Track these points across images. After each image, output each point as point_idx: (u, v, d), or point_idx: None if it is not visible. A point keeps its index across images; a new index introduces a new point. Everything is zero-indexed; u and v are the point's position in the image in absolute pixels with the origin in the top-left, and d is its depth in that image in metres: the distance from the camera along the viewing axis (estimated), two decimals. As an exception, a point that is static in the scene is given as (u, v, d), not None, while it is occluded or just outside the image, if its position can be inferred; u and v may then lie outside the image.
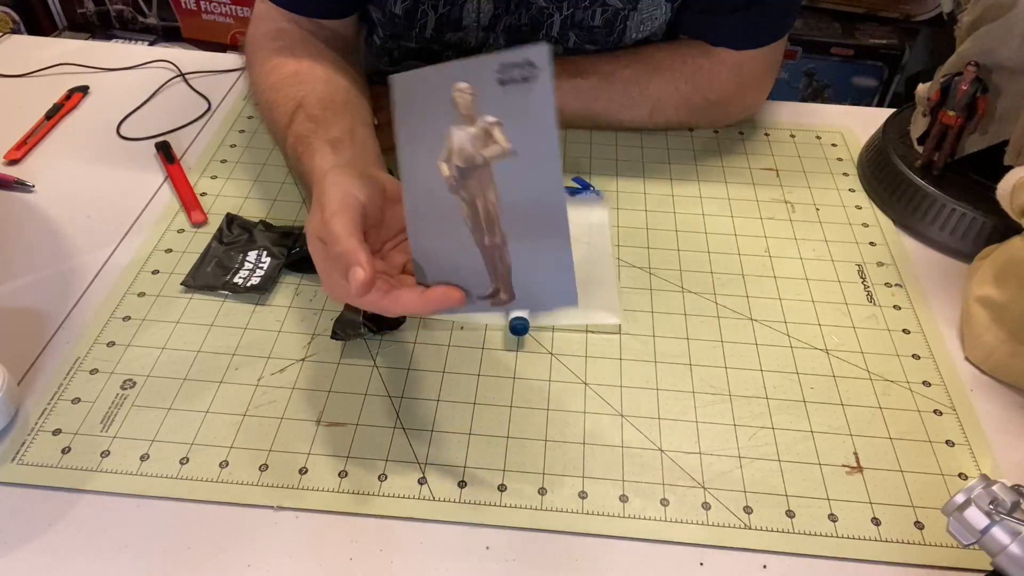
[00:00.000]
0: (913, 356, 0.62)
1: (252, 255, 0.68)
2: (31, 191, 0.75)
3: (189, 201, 0.73)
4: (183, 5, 1.94)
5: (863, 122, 0.86)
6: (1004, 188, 0.60)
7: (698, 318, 0.64)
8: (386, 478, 0.53)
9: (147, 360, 0.60)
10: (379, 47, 0.86)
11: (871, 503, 0.52)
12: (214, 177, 0.77)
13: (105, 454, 0.54)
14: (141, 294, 0.65)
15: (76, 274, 0.67)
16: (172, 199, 0.75)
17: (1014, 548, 0.39)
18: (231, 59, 0.96)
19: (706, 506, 0.52)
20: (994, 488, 0.41)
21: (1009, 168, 0.61)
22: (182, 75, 0.92)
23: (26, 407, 0.56)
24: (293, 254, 0.68)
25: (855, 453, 0.55)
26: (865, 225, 0.74)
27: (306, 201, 0.74)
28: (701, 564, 0.49)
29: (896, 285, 0.68)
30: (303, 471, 0.53)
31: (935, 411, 0.58)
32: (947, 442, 0.56)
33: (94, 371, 0.59)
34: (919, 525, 0.51)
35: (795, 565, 0.49)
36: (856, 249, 0.71)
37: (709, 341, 0.63)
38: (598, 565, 0.49)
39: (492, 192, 0.47)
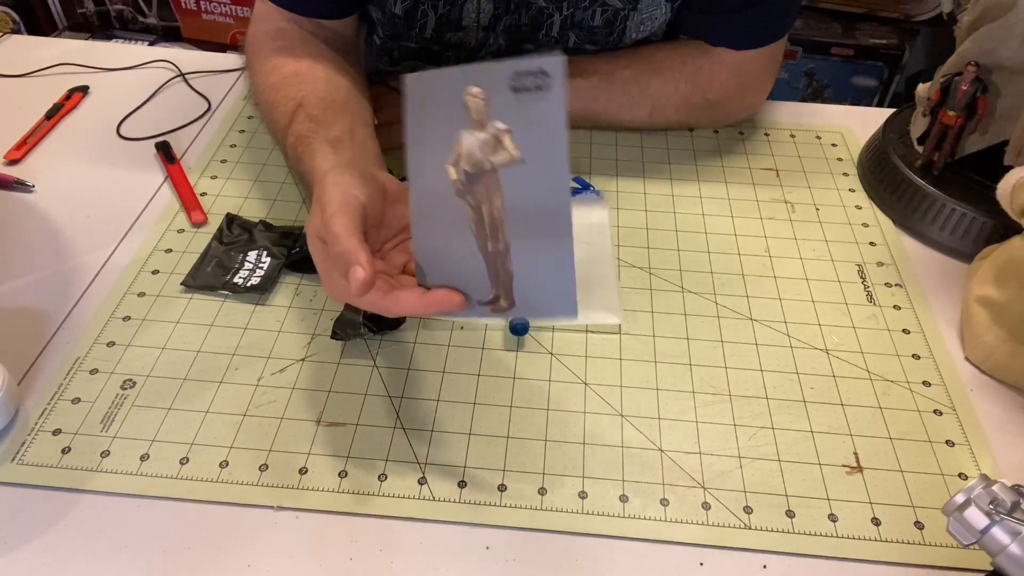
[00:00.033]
0: (913, 356, 0.62)
1: (252, 255, 0.68)
2: (31, 191, 0.75)
3: (189, 201, 0.73)
4: (183, 5, 1.94)
5: (863, 122, 0.86)
6: (1004, 188, 0.60)
7: (698, 318, 0.64)
8: (386, 478, 0.53)
9: (147, 360, 0.60)
10: (379, 47, 0.86)
11: (871, 503, 0.52)
12: (214, 177, 0.77)
13: (105, 454, 0.54)
14: (141, 294, 0.65)
15: (76, 274, 0.67)
16: (172, 199, 0.75)
17: (1014, 548, 0.39)
18: (231, 59, 0.96)
19: (706, 506, 0.52)
20: (994, 488, 0.41)
21: (1009, 168, 0.61)
22: (182, 75, 0.92)
23: (26, 407, 0.56)
24: (293, 254, 0.68)
25: (855, 453, 0.55)
26: (865, 225, 0.74)
27: (306, 201, 0.74)
28: (701, 564, 0.49)
29: (896, 285, 0.68)
30: (303, 471, 0.53)
31: (935, 411, 0.58)
32: (947, 442, 0.56)
33: (94, 371, 0.59)
34: (919, 525, 0.51)
35: (795, 565, 0.49)
36: (856, 249, 0.71)
37: (709, 341, 0.63)
38: (598, 565, 0.49)
39: (498, 199, 0.47)
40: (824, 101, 1.79)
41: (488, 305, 0.49)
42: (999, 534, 0.40)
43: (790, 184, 0.79)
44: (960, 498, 0.41)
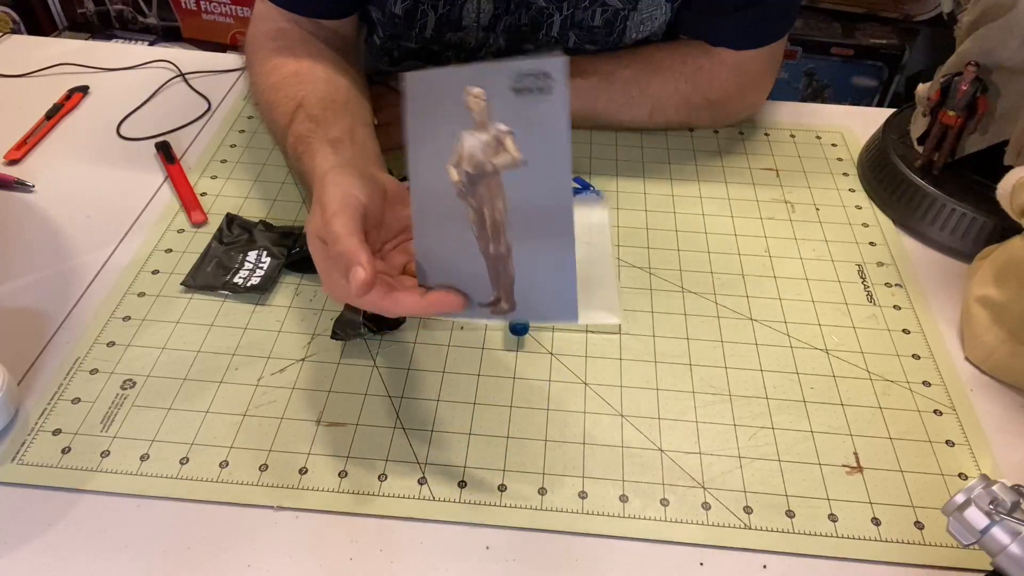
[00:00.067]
0: (913, 356, 0.62)
1: (252, 255, 0.68)
2: (31, 191, 0.75)
3: (189, 201, 0.73)
4: (183, 5, 1.94)
5: (863, 122, 0.86)
6: (1004, 188, 0.60)
7: (698, 318, 0.64)
8: (386, 478, 0.53)
9: (147, 360, 0.60)
10: (379, 47, 0.86)
11: (871, 503, 0.52)
12: (214, 177, 0.77)
13: (105, 454, 0.54)
14: (141, 294, 0.65)
15: (76, 274, 0.67)
16: (172, 199, 0.75)
17: (1014, 548, 0.39)
18: (231, 59, 0.96)
19: (706, 506, 0.52)
20: (994, 488, 0.41)
21: (1009, 168, 0.61)
22: (182, 75, 0.92)
23: (26, 407, 0.56)
24: (293, 254, 0.68)
25: (855, 453, 0.55)
26: (865, 225, 0.74)
27: (306, 201, 0.74)
28: (701, 564, 0.49)
29: (896, 285, 0.68)
30: (303, 471, 0.53)
31: (935, 411, 0.58)
32: (947, 442, 0.56)
33: (94, 371, 0.59)
34: (919, 525, 0.51)
35: (795, 565, 0.49)
36: (856, 249, 0.71)
37: (709, 341, 0.63)
38: (598, 565, 0.49)
39: (500, 201, 0.47)
40: (824, 101, 1.79)
41: (489, 307, 0.49)
42: (999, 534, 0.40)
43: (790, 184, 0.79)
44: (960, 498, 0.41)
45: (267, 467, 0.53)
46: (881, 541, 0.50)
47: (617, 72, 0.78)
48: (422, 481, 0.53)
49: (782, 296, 0.67)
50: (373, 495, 0.52)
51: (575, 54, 0.80)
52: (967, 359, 0.62)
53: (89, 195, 0.75)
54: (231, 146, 0.82)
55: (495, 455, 0.54)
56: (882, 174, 0.76)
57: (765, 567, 0.49)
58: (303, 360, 0.60)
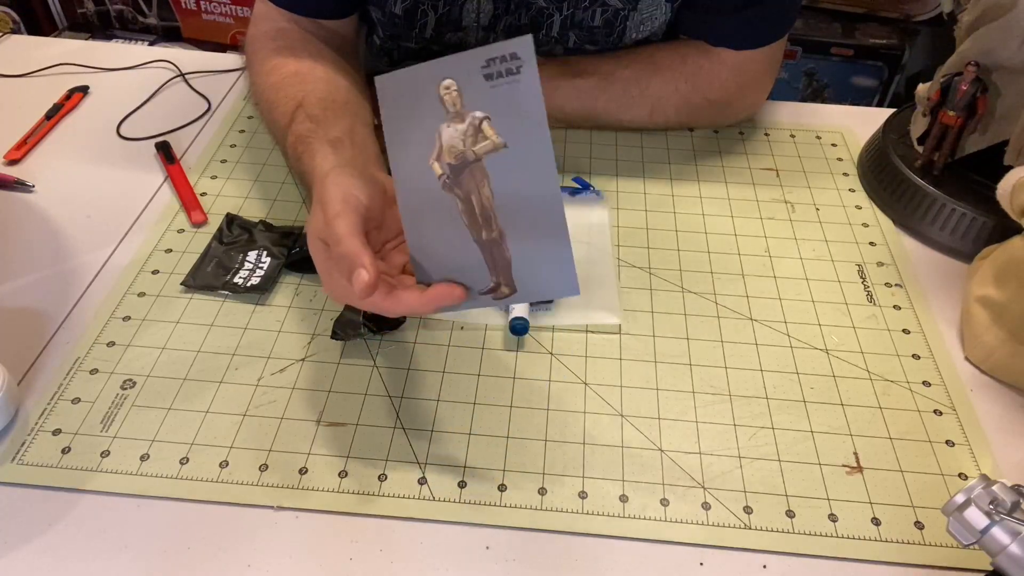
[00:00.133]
0: (913, 356, 0.62)
1: (252, 255, 0.68)
2: (31, 191, 0.75)
3: (189, 201, 0.73)
4: (183, 5, 1.94)
5: (863, 122, 0.86)
6: (1004, 188, 0.60)
7: (698, 318, 0.64)
8: (386, 478, 0.53)
9: (147, 360, 0.60)
10: (379, 47, 0.86)
11: (871, 503, 0.52)
12: (214, 177, 0.77)
13: (105, 454, 0.54)
14: (141, 294, 0.65)
15: (76, 274, 0.67)
16: (172, 199, 0.75)
17: (1014, 548, 0.39)
18: (231, 59, 0.96)
19: (706, 506, 0.52)
20: (994, 488, 0.41)
21: (1009, 168, 0.61)
22: (182, 75, 0.92)
23: (26, 407, 0.56)
24: (293, 254, 0.68)
25: (855, 453, 0.55)
26: (865, 225, 0.74)
27: (306, 201, 0.74)
28: (701, 564, 0.49)
29: (896, 285, 0.68)
30: (303, 471, 0.53)
31: (935, 411, 0.58)
32: (947, 442, 0.56)
33: (94, 371, 0.59)
34: (919, 525, 0.51)
35: (795, 565, 0.49)
36: (856, 249, 0.72)
37: (709, 341, 0.63)
38: (598, 565, 0.49)
39: (486, 187, 0.47)
40: (824, 101, 1.79)
41: (490, 293, 0.49)
42: (999, 534, 0.40)
43: (790, 184, 0.79)
44: (960, 498, 0.41)
45: (267, 467, 0.53)
46: (881, 541, 0.50)
47: (617, 72, 0.78)
48: (422, 481, 0.53)
49: (782, 296, 0.67)
50: (373, 495, 0.52)
51: (575, 54, 0.80)
52: (967, 359, 0.62)
53: (89, 195, 0.75)
54: (231, 146, 0.82)
55: (495, 455, 0.54)
56: (882, 174, 0.76)
57: (765, 567, 0.49)
58: (303, 360, 0.60)
